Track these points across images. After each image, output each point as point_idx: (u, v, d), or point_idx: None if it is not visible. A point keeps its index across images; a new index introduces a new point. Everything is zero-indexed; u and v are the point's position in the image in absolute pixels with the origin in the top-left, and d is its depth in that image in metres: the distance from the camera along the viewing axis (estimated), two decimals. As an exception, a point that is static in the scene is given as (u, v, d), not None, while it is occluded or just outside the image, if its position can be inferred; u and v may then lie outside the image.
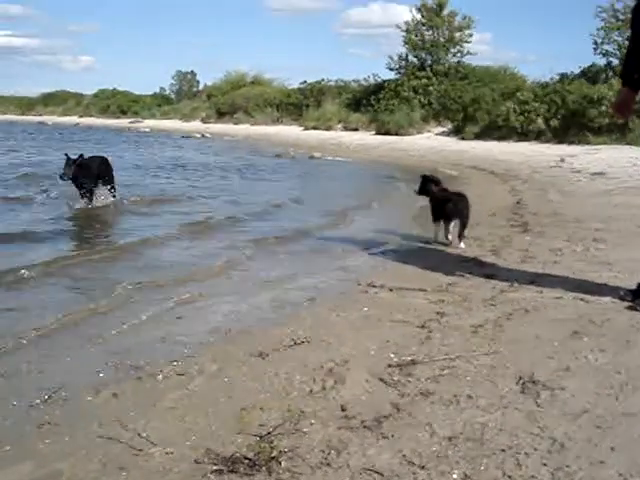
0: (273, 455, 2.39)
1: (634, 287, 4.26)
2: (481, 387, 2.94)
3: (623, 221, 7.32)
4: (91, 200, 8.82)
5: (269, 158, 19.64)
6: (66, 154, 8.63)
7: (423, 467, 2.29)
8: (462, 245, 6.17)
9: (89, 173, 8.76)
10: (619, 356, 3.26)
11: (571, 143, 18.95)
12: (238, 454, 2.41)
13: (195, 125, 41.25)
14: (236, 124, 38.78)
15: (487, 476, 2.23)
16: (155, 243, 6.68)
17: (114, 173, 9.37)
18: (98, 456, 2.43)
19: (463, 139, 23.23)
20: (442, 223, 6.40)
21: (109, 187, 9.16)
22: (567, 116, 20.13)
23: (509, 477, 2.21)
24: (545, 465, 2.28)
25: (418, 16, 32.13)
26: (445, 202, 6.29)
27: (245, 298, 4.65)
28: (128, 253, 6.22)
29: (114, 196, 9.21)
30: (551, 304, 4.21)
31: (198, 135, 32.76)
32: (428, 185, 6.63)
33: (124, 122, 47.19)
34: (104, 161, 9.31)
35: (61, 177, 8.58)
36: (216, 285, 5.07)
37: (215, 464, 2.35)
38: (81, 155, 8.67)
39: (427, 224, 6.66)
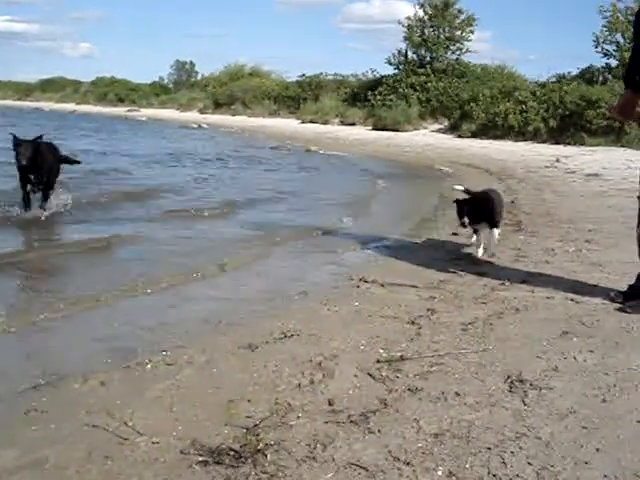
0: (259, 448, 2.38)
1: (625, 289, 4.28)
2: (469, 385, 2.95)
3: (616, 223, 7.33)
4: (45, 200, 7.13)
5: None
6: (12, 133, 6.98)
7: (408, 463, 2.29)
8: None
9: (46, 162, 7.06)
10: (607, 358, 3.27)
11: (567, 144, 19.00)
12: (224, 446, 2.41)
13: (192, 115, 41.12)
14: (233, 115, 38.71)
15: (472, 474, 2.23)
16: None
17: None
18: (84, 444, 2.43)
19: (460, 137, 23.25)
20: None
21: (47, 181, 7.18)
22: (565, 117, 20.18)
23: (494, 475, 2.22)
24: (530, 464, 2.28)
25: (420, 12, 32.04)
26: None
27: (237, 289, 4.65)
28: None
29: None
30: (542, 304, 4.22)
31: (195, 125, 32.64)
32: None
33: (121, 110, 47.03)
34: (51, 149, 7.53)
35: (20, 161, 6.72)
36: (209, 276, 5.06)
37: (201, 455, 2.35)
38: (40, 136, 7.00)
39: (421, 221, 6.65)
